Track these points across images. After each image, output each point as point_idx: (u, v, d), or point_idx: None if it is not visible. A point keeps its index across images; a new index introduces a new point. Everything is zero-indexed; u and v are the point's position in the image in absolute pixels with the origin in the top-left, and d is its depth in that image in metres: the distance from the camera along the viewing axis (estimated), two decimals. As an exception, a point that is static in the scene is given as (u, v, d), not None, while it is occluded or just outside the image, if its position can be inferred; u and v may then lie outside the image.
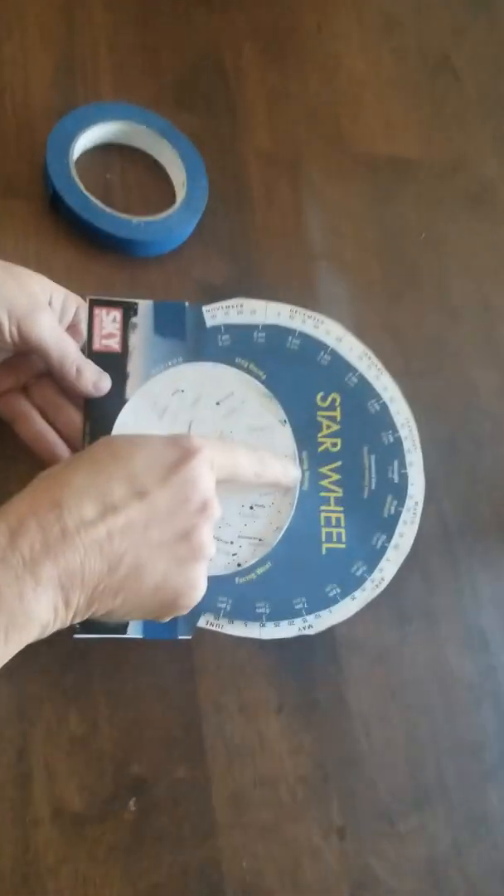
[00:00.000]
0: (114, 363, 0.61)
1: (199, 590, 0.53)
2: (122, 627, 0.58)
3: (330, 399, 0.65)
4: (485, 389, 0.80)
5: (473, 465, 0.76)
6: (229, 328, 0.64)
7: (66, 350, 0.59)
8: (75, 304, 0.62)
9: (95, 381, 0.61)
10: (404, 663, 0.67)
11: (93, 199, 0.73)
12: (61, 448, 0.61)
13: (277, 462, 0.61)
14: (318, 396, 0.64)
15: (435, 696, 0.66)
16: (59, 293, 0.60)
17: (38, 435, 0.61)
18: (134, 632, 0.58)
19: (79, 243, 0.73)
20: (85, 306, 0.62)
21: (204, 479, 0.52)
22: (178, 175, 0.78)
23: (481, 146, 0.95)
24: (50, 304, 0.59)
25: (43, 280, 0.59)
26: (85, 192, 0.73)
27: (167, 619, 0.54)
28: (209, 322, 0.64)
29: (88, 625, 0.52)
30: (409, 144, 0.92)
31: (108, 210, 0.73)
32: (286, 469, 0.62)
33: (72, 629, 0.53)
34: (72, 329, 0.62)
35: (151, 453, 0.51)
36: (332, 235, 0.83)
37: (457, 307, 0.84)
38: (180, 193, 0.77)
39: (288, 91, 0.90)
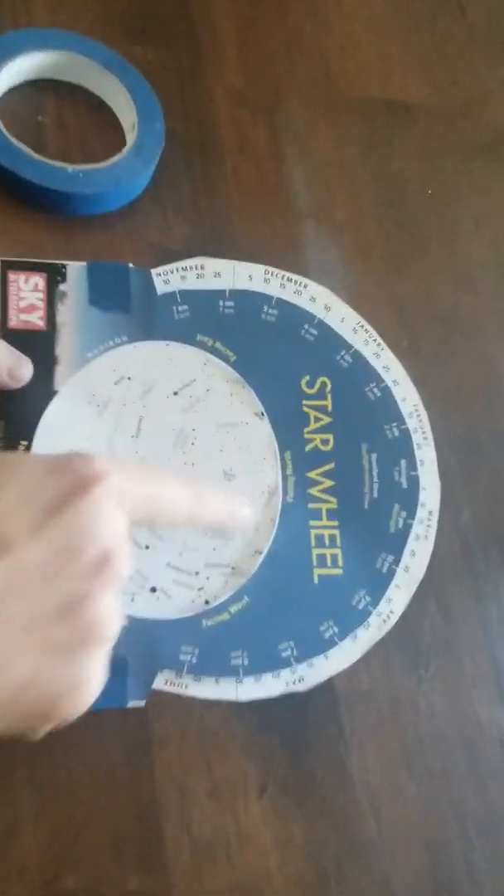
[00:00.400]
0: (37, 344, 0.53)
1: (92, 688, 0.40)
2: None
3: (318, 384, 0.58)
4: None
5: (498, 465, 0.66)
6: (187, 296, 0.57)
7: None
8: None
9: (11, 366, 0.51)
10: (420, 718, 0.57)
11: (17, 143, 0.61)
12: None
13: (222, 500, 0.49)
14: (304, 381, 0.58)
15: (460, 759, 0.57)
16: None
17: None
18: None
19: (2, 200, 0.63)
20: None
21: (104, 522, 0.39)
22: (127, 116, 0.67)
23: (493, 89, 0.85)
24: None
25: None
26: (8, 135, 0.62)
27: (41, 732, 0.40)
28: (161, 289, 0.57)
29: None
30: (409, 87, 0.81)
31: (37, 157, 0.62)
32: (234, 509, 0.49)
33: None
34: None
35: (25, 482, 0.38)
36: (320, 191, 0.73)
37: (472, 275, 0.74)
38: (130, 138, 0.66)
39: (263, 19, 0.79)
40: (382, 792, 0.54)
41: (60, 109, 0.67)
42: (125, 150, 0.64)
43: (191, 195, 0.68)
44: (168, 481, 0.45)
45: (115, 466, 0.40)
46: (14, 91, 0.67)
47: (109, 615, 0.39)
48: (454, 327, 0.70)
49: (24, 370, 0.52)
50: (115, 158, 0.64)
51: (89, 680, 0.39)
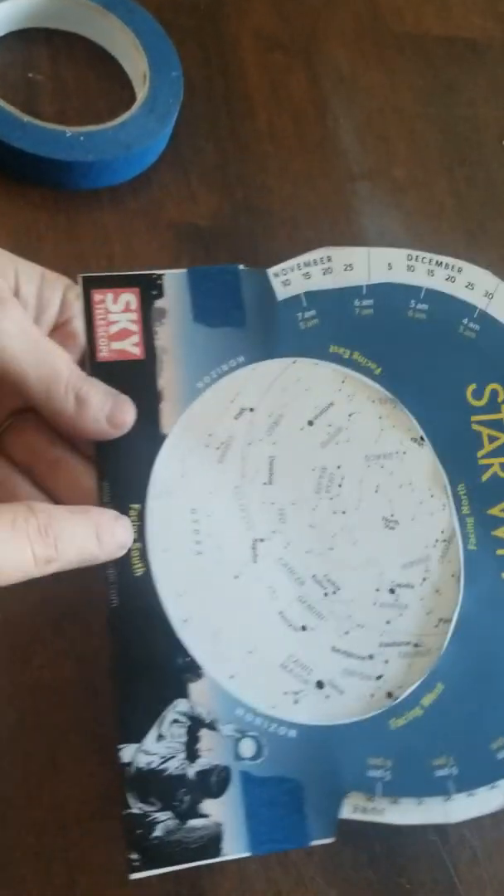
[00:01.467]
0: (135, 377, 0.44)
1: None
2: (213, 844, 0.39)
3: (488, 393, 0.47)
4: None
5: None
6: (315, 298, 0.46)
7: (52, 367, 0.41)
8: (61, 289, 0.44)
9: (110, 412, 0.42)
10: None
11: (4, 105, 0.52)
12: None
13: (84, 521, 0.40)
14: (469, 391, 0.47)
15: None
16: (28, 274, 0.43)
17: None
18: (234, 849, 0.40)
19: None
20: (76, 290, 0.45)
21: None
22: (136, 67, 0.57)
23: None
24: (17, 294, 0.42)
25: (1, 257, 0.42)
26: None
27: None
28: (281, 294, 0.46)
29: (152, 852, 0.37)
30: (472, 20, 0.71)
31: (28, 119, 0.52)
32: (103, 529, 0.41)
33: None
34: (60, 331, 0.45)
35: None
36: (375, 144, 0.62)
37: None
38: (141, 93, 0.56)
39: None
40: None
41: (56, 64, 0.59)
42: (135, 107, 0.54)
43: (218, 157, 0.59)
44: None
45: None
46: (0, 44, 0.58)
47: None
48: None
49: (126, 414, 0.42)
50: (124, 117, 0.54)
51: None
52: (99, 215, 0.54)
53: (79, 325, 0.45)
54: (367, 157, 0.61)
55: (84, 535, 0.39)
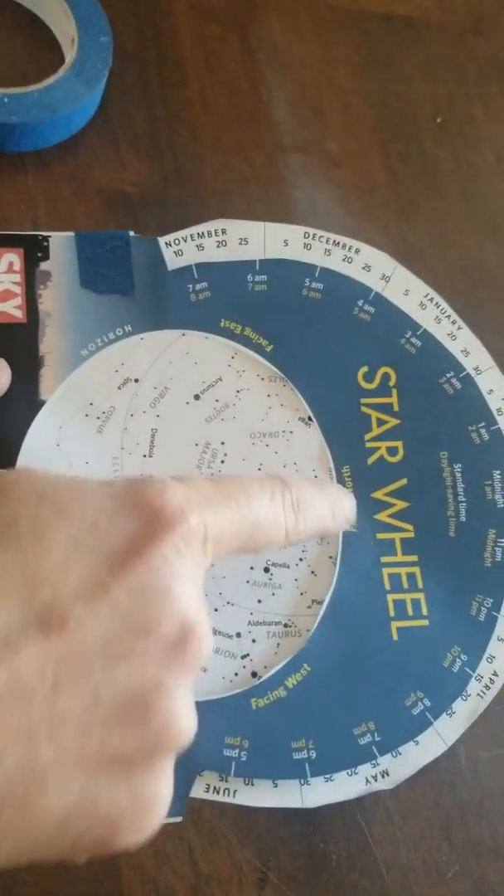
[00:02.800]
0: (15, 341, 0.44)
1: (159, 810, 0.31)
2: None
3: (379, 377, 0.48)
4: None
5: None
6: (207, 270, 0.47)
7: None
8: None
9: None
10: (460, 775, 0.46)
11: None
12: None
13: (320, 499, 0.39)
14: (361, 374, 0.48)
15: None
16: None
17: None
18: None
19: None
20: None
21: (183, 585, 0.31)
22: (65, 30, 0.55)
23: None
24: None
25: None
26: None
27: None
28: (172, 263, 0.47)
29: None
30: None
31: None
32: (336, 507, 0.40)
33: None
34: None
35: (83, 524, 0.30)
36: (309, 117, 0.61)
37: (496, 219, 0.62)
38: (69, 54, 0.54)
39: None
40: (416, 874, 0.43)
41: None
42: (62, 71, 0.53)
43: (148, 125, 0.57)
44: (258, 493, 0.36)
45: (197, 494, 0.33)
46: None
47: (184, 715, 0.31)
48: (479, 281, 0.59)
49: (1, 377, 0.42)
50: (50, 80, 0.52)
51: (156, 800, 0.31)
52: (23, 179, 0.52)
53: None
54: (301, 131, 0.60)
55: (324, 509, 0.39)
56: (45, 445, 0.43)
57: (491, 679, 0.44)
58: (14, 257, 0.45)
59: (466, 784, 0.46)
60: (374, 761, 0.42)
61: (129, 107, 0.56)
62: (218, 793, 0.40)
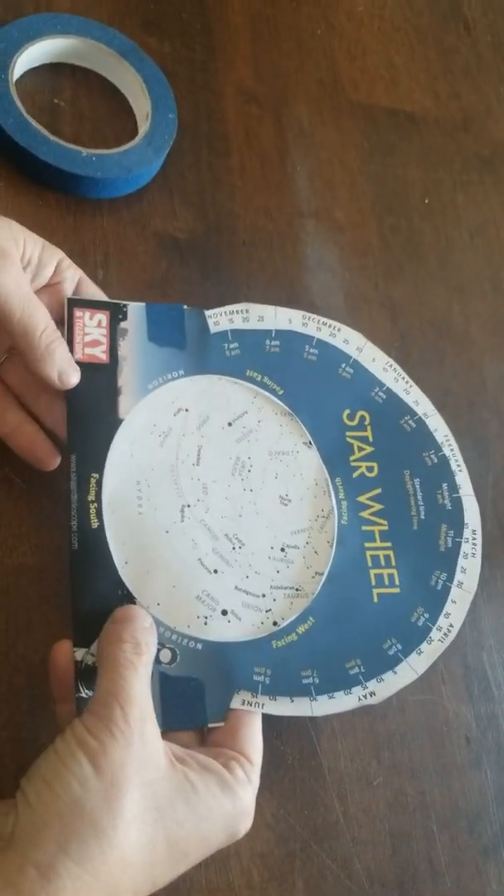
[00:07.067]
0: (101, 375, 0.54)
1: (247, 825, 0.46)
2: None
3: (358, 417, 0.60)
4: (494, 384, 0.72)
5: (478, 471, 0.67)
6: (237, 335, 0.59)
7: (33, 317, 0.50)
8: (55, 259, 0.53)
9: (63, 369, 0.52)
10: (391, 711, 0.58)
11: (34, 123, 0.62)
12: (42, 443, 0.53)
13: None
14: (345, 414, 0.60)
15: (426, 753, 0.57)
16: (34, 243, 0.52)
17: (13, 425, 0.53)
18: None
19: (14, 177, 0.63)
20: (69, 262, 0.55)
21: None
22: (141, 106, 0.67)
23: (494, 105, 0.86)
24: (23, 256, 0.51)
25: (11, 225, 0.50)
26: (25, 114, 0.62)
27: None
28: (213, 329, 0.58)
29: None
30: (413, 97, 0.82)
31: (53, 138, 0.62)
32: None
33: None
34: (49, 290, 0.54)
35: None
36: (323, 189, 0.73)
37: (464, 286, 0.75)
38: (143, 127, 0.66)
39: (276, 19, 0.80)
40: (350, 779, 0.55)
41: (76, 94, 0.67)
42: (138, 139, 0.65)
43: (197, 185, 0.68)
44: None
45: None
46: (33, 73, 0.67)
47: None
48: (444, 334, 0.71)
49: (71, 376, 0.52)
50: (128, 146, 0.64)
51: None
52: (99, 220, 0.63)
53: (68, 286, 0.54)
54: (315, 200, 0.72)
55: None
56: (123, 455, 0.53)
57: (448, 629, 0.55)
58: (102, 317, 0.56)
59: (395, 718, 0.57)
60: (363, 685, 0.52)
61: (183, 170, 0.68)
62: (251, 705, 0.50)
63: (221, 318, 0.59)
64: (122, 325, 0.56)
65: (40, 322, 0.50)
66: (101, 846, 0.38)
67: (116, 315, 0.56)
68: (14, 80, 0.63)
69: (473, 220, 0.78)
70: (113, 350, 0.55)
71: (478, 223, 0.78)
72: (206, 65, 0.74)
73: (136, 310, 0.57)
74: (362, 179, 0.75)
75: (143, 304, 0.57)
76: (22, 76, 0.66)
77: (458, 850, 0.55)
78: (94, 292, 0.56)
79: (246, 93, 0.74)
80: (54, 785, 0.39)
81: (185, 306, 0.58)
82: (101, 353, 0.55)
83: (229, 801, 0.44)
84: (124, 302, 0.56)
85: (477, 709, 0.60)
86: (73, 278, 0.55)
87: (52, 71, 0.68)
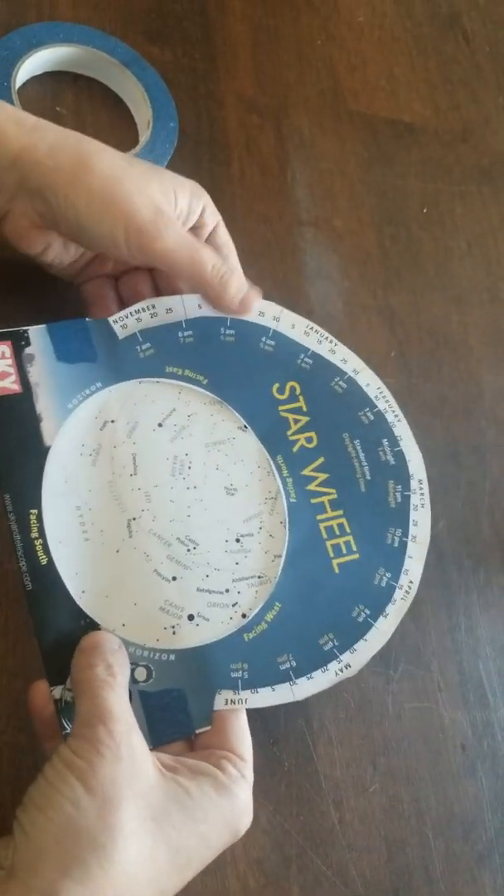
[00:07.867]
0: (18, 407, 0.52)
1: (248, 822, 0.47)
2: None
3: (288, 389, 0.58)
4: (490, 393, 0.72)
5: (474, 479, 0.68)
6: (147, 334, 0.56)
7: (200, 262, 0.53)
8: (201, 205, 0.57)
9: (240, 296, 0.56)
10: (387, 718, 0.58)
11: None
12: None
13: None
14: (274, 389, 0.58)
15: (422, 760, 0.58)
16: (183, 191, 0.55)
17: None
18: None
19: None
20: (212, 208, 0.58)
21: None
22: (142, 114, 0.68)
23: (492, 116, 0.87)
24: (175, 205, 0.54)
25: (163, 176, 0.54)
26: None
27: None
28: (121, 333, 0.56)
29: None
30: (413, 107, 0.83)
31: None
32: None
33: None
34: (201, 230, 0.58)
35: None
36: (322, 198, 0.74)
37: (461, 295, 0.75)
38: (144, 135, 0.67)
39: (277, 29, 0.81)
40: (346, 785, 0.55)
41: (78, 102, 0.68)
42: (139, 147, 0.65)
43: None
44: None
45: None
46: (35, 81, 0.67)
47: None
48: (442, 343, 0.72)
49: (252, 300, 0.56)
50: (130, 154, 0.64)
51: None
52: None
53: (210, 219, 0.57)
54: (315, 209, 0.72)
55: None
56: (57, 483, 0.52)
57: (409, 586, 0.55)
58: (5, 348, 0.53)
59: (391, 725, 0.58)
60: (338, 659, 0.52)
61: (186, 177, 0.68)
62: (234, 703, 0.50)
63: (129, 320, 0.57)
64: (28, 350, 0.54)
65: (207, 263, 0.53)
66: (102, 863, 0.38)
67: (19, 342, 0.54)
68: (17, 87, 0.64)
69: (472, 230, 0.79)
70: (23, 378, 0.53)
71: (476, 233, 0.79)
72: (207, 74, 0.74)
73: (37, 332, 0.54)
74: (362, 189, 0.76)
75: (44, 325, 0.55)
76: (24, 84, 0.67)
77: (454, 857, 0.55)
78: (226, 241, 0.59)
79: (247, 102, 0.75)
80: (47, 810, 0.39)
81: (87, 318, 0.56)
82: (11, 385, 0.53)
83: (226, 801, 0.44)
84: (23, 327, 0.54)
85: (472, 716, 0.60)
86: (212, 224, 0.58)
87: (54, 79, 0.68)
